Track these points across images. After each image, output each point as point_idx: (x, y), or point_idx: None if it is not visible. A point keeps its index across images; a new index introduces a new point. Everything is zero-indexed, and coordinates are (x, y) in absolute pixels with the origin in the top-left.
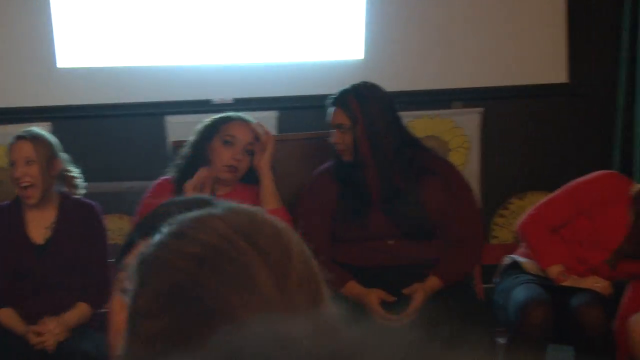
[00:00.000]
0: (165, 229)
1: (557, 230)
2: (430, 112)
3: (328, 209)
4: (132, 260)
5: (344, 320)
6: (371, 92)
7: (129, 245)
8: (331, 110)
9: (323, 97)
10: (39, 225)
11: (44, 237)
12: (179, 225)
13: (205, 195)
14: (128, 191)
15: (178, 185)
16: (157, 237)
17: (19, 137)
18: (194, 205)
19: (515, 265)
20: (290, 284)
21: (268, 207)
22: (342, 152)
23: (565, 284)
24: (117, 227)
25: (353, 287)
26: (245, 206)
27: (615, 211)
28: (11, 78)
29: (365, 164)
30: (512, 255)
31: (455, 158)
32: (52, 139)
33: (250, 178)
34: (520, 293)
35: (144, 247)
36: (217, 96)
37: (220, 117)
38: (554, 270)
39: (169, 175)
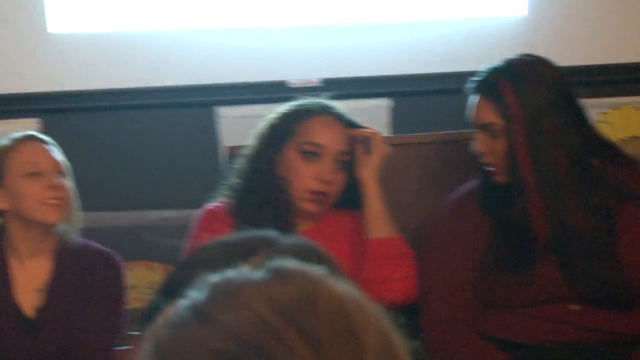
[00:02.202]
0: (189, 299)
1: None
2: (636, 100)
3: (472, 254)
4: (147, 340)
5: None
6: (537, 72)
7: (153, 312)
8: (473, 100)
9: (462, 77)
10: (29, 287)
11: (35, 306)
12: (205, 299)
13: (273, 232)
14: (157, 225)
15: (236, 216)
16: (178, 311)
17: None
18: (250, 250)
19: None
20: None
21: (377, 236)
22: (491, 168)
23: None
24: (142, 280)
25: None
26: (298, 268)
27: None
28: None
29: (527, 188)
30: None
31: None
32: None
33: (346, 201)
34: None
35: (160, 324)
36: (295, 76)
37: (294, 109)
38: None
39: (222, 201)
